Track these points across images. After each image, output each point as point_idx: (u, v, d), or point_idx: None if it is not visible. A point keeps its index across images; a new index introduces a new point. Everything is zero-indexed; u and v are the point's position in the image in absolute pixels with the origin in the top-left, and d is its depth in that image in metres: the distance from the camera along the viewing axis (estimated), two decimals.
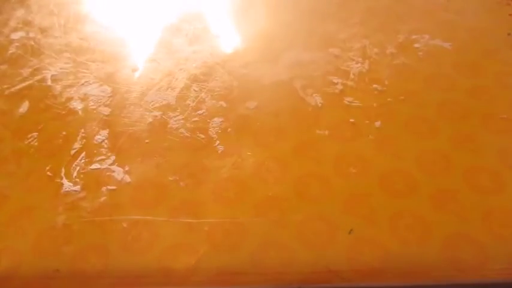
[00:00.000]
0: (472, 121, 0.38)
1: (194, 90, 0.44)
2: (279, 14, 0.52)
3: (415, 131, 0.38)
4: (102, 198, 0.36)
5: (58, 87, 0.45)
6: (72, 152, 0.39)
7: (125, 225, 0.34)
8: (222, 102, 0.42)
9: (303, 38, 0.48)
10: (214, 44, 0.49)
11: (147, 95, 0.44)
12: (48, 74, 0.47)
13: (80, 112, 0.43)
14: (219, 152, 0.38)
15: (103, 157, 0.39)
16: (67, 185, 0.37)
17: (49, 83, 0.46)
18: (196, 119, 0.41)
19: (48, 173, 0.38)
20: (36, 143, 0.40)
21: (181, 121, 0.41)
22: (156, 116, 0.42)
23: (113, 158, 0.39)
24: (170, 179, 0.37)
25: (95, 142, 0.40)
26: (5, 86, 0.46)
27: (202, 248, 0.33)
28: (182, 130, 0.40)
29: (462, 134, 0.37)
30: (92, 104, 0.43)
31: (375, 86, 0.42)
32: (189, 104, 0.42)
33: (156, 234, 0.34)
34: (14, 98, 0.45)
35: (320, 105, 0.41)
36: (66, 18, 0.54)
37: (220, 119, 0.41)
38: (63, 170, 0.38)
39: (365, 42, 0.46)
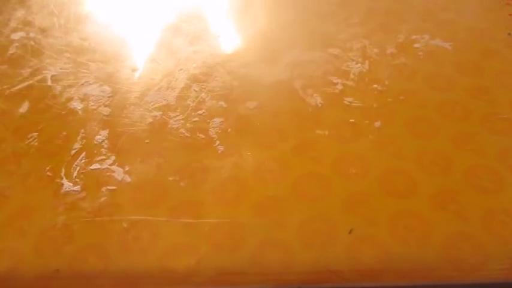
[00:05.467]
0: (472, 121, 0.38)
1: (194, 90, 0.44)
2: (279, 14, 0.52)
3: (415, 131, 0.38)
4: (102, 198, 0.36)
5: (58, 87, 0.45)
6: (72, 152, 0.39)
7: (125, 225, 0.34)
8: (222, 102, 0.42)
9: (303, 38, 0.48)
10: (214, 44, 0.49)
11: (147, 95, 0.44)
12: (48, 74, 0.47)
13: (80, 112, 0.43)
14: (219, 152, 0.38)
15: (103, 157, 0.39)
16: (67, 185, 0.37)
17: (49, 83, 0.46)
18: (196, 119, 0.41)
19: (48, 173, 0.38)
20: (36, 143, 0.40)
21: (181, 121, 0.41)
22: (156, 116, 0.42)
23: (113, 158, 0.39)
24: (170, 179, 0.37)
25: (95, 142, 0.40)
26: (5, 86, 0.46)
27: (202, 248, 0.33)
28: (182, 130, 0.40)
29: (462, 134, 0.37)
30: (92, 104, 0.43)
31: (375, 86, 0.42)
32: (189, 104, 0.42)
33: (156, 234, 0.34)
34: (14, 98, 0.45)
35: (320, 105, 0.41)
36: (66, 19, 0.54)
37: (220, 119, 0.41)
38: (63, 170, 0.38)
39: (365, 42, 0.46)
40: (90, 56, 0.49)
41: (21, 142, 0.41)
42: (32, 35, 0.52)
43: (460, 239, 0.31)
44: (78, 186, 0.37)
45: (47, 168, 0.38)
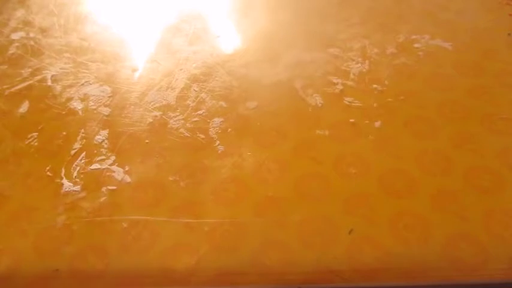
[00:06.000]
0: (472, 121, 0.38)
1: (194, 90, 0.44)
2: (279, 14, 0.52)
3: (415, 131, 0.38)
4: (102, 198, 0.36)
5: (58, 87, 0.45)
6: (72, 152, 0.39)
7: (125, 225, 0.34)
8: (222, 102, 0.42)
9: (303, 38, 0.48)
10: (214, 44, 0.49)
11: (147, 95, 0.44)
12: (48, 74, 0.47)
13: (80, 112, 0.43)
14: (219, 152, 0.38)
15: (103, 157, 0.39)
16: (67, 185, 0.37)
17: (49, 83, 0.46)
18: (196, 119, 0.41)
19: (48, 173, 0.38)
20: (36, 143, 0.40)
21: (181, 121, 0.41)
22: (156, 116, 0.42)
23: (113, 158, 0.39)
24: (170, 179, 0.37)
25: (95, 142, 0.40)
26: (5, 86, 0.46)
27: (202, 248, 0.33)
28: (182, 130, 0.40)
29: (462, 134, 0.37)
30: (92, 104, 0.43)
31: (375, 86, 0.42)
32: (189, 104, 0.42)
33: (156, 234, 0.34)
34: (14, 98, 0.45)
35: (320, 105, 0.41)
36: (66, 19, 0.54)
37: (220, 119, 0.41)
38: (63, 170, 0.38)
39: (365, 42, 0.46)
40: (90, 56, 0.49)
41: (21, 142, 0.41)
42: (32, 35, 0.52)
43: (460, 239, 0.31)
44: (78, 186, 0.37)
45: (47, 168, 0.38)
